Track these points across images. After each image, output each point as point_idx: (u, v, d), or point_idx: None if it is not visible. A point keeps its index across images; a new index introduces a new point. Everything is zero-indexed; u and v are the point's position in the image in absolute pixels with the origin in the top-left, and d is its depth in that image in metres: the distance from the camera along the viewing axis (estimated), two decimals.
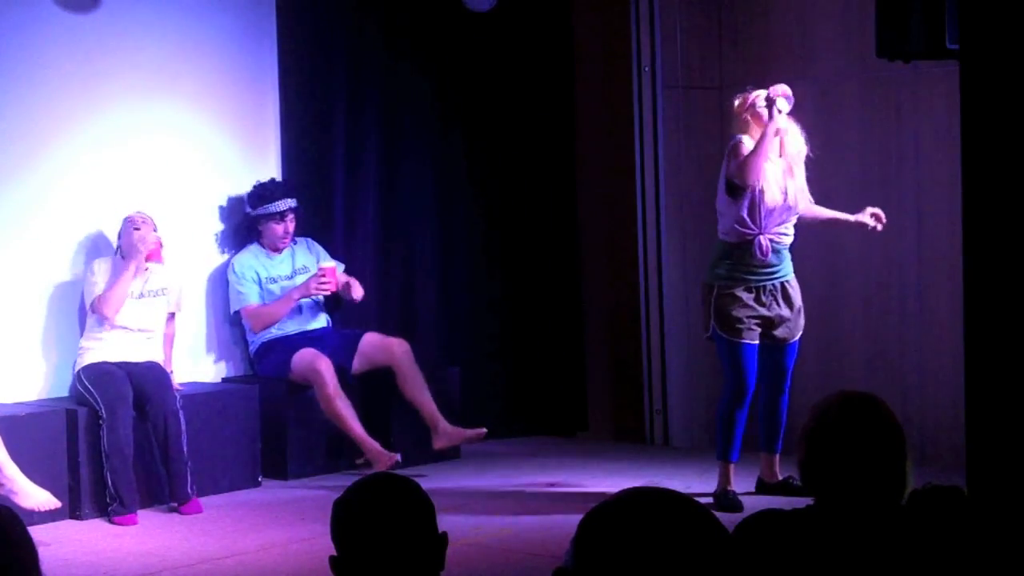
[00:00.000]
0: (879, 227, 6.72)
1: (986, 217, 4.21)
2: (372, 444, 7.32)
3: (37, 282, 7.12)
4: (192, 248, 7.62)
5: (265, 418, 7.39)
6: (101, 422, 6.67)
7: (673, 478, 7.01)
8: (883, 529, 2.84)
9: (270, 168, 7.92)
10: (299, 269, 7.72)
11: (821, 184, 8.06)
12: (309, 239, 7.83)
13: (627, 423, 8.58)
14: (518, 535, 6.27)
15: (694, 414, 8.41)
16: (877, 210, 6.72)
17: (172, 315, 7.23)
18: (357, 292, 7.65)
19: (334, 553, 2.72)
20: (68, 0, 7.17)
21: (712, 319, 6.60)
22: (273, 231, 7.61)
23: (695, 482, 7.17)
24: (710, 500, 6.55)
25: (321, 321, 7.77)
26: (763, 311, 6.59)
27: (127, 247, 6.98)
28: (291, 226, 7.63)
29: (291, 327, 7.64)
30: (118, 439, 6.63)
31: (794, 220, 6.69)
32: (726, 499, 6.55)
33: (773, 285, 6.62)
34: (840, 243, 7.98)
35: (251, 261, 7.64)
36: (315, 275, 7.54)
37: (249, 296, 7.60)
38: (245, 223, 7.70)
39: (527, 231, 8.75)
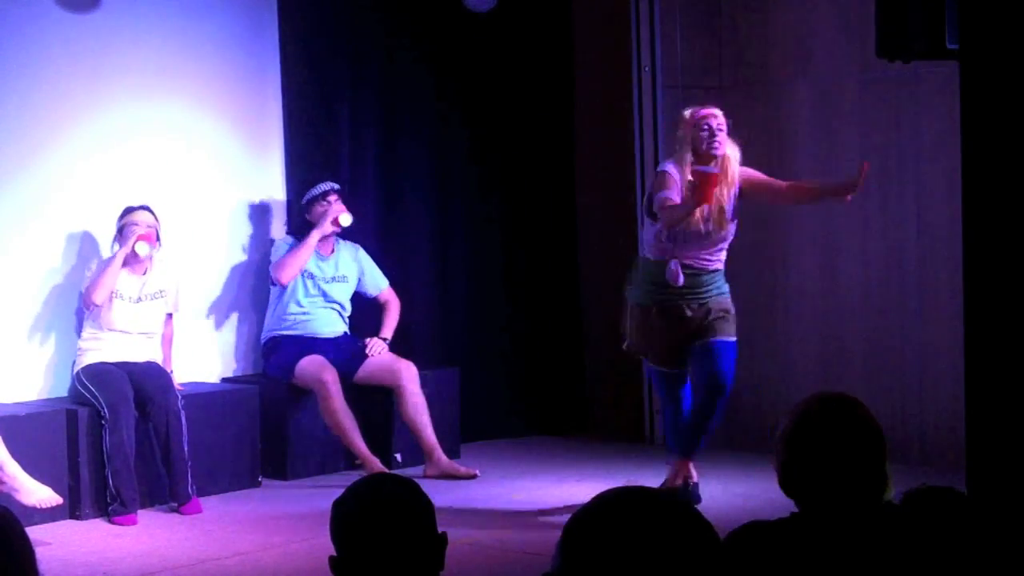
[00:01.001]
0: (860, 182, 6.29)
1: (986, 217, 4.21)
2: (374, 462, 7.29)
3: (37, 282, 7.12)
4: (194, 247, 7.62)
5: (265, 418, 7.38)
6: (104, 423, 6.67)
7: None
8: (872, 532, 2.83)
9: (274, 166, 7.92)
10: (338, 277, 7.68)
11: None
12: (358, 246, 7.77)
13: (627, 423, 8.57)
14: (518, 535, 6.27)
15: None
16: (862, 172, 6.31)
17: (170, 316, 7.23)
18: (375, 348, 7.60)
19: (334, 553, 2.72)
20: (68, 0, 7.17)
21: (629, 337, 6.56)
22: (319, 213, 7.50)
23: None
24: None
25: (339, 329, 7.74)
26: (670, 331, 6.40)
27: (123, 239, 6.98)
28: (337, 204, 7.52)
29: (308, 328, 7.60)
30: (120, 440, 6.63)
31: (722, 246, 6.42)
32: (685, 492, 6.48)
33: (683, 305, 6.39)
34: (839, 242, 7.98)
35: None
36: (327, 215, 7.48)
37: (279, 252, 7.54)
38: (300, 224, 7.60)
39: (527, 231, 8.75)
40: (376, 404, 7.65)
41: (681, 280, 6.31)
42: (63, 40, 7.15)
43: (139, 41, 7.40)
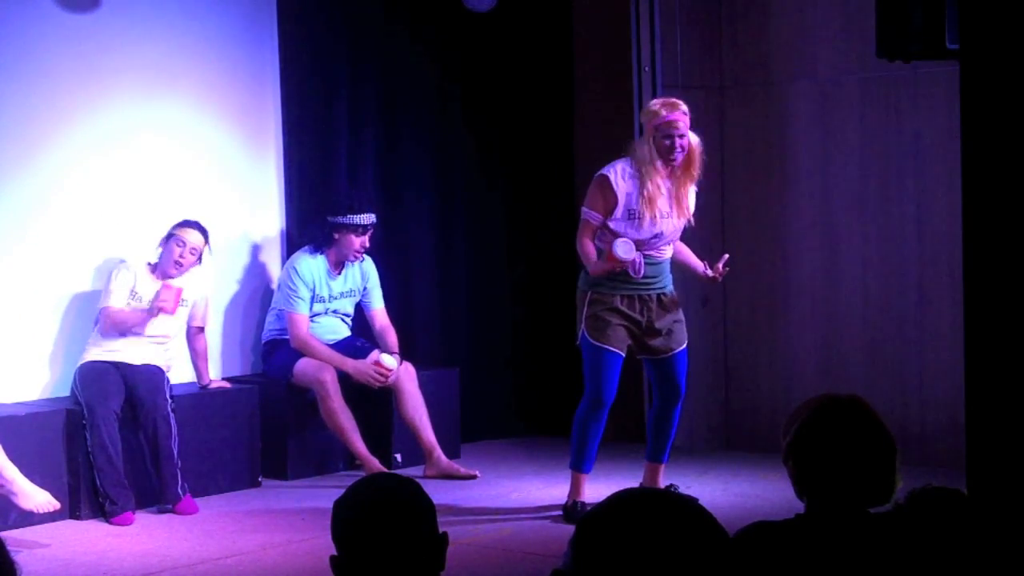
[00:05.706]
0: (718, 277, 6.55)
1: (986, 217, 4.21)
2: (373, 462, 7.29)
3: (37, 282, 7.11)
4: None
5: (265, 418, 7.38)
6: (84, 421, 6.67)
7: (673, 478, 6.99)
8: (877, 532, 2.83)
9: (273, 166, 7.92)
10: (345, 292, 7.65)
11: (821, 184, 8.08)
12: (368, 257, 7.71)
13: (627, 423, 8.58)
14: (518, 535, 6.28)
15: (694, 414, 8.40)
16: (723, 261, 6.54)
17: (201, 329, 7.25)
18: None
19: (334, 553, 2.72)
20: (68, 0, 7.17)
21: (582, 324, 6.42)
22: (351, 243, 7.47)
23: (695, 482, 7.17)
24: (559, 513, 6.53)
25: (342, 334, 7.71)
26: (636, 316, 6.41)
27: (164, 265, 7.04)
28: (367, 242, 7.54)
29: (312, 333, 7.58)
30: (101, 439, 6.61)
31: (673, 238, 6.55)
32: (575, 512, 6.42)
33: (648, 295, 6.45)
34: (840, 243, 7.99)
35: (314, 271, 7.52)
36: (374, 364, 7.39)
37: (303, 305, 7.48)
38: (321, 230, 7.54)
39: (527, 231, 8.75)
40: (376, 404, 7.64)
41: (642, 274, 6.37)
42: (63, 40, 7.15)
43: (139, 41, 7.40)
